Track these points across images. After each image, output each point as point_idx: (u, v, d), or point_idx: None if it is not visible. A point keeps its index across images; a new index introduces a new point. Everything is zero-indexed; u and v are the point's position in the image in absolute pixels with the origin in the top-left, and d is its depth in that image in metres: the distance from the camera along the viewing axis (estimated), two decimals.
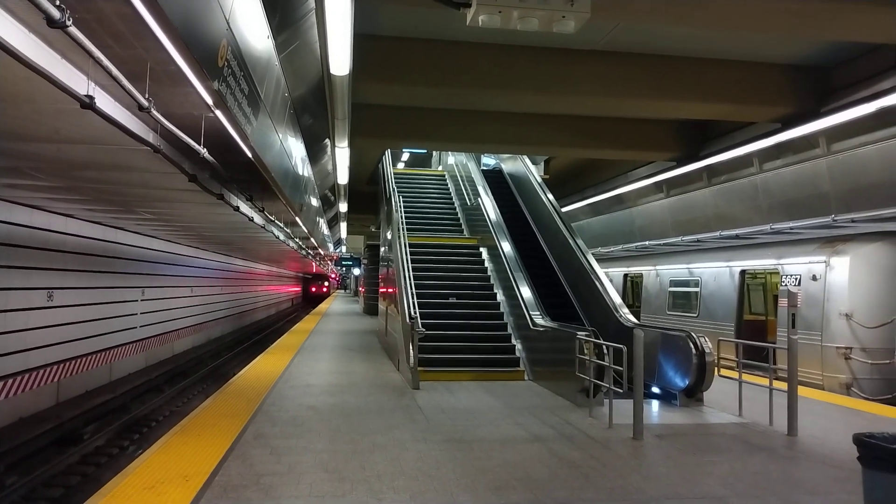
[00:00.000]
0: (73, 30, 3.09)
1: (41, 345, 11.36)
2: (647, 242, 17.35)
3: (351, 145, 11.35)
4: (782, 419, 7.19)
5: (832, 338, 11.04)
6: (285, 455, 5.80)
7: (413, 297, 10.95)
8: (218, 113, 5.09)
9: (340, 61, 6.79)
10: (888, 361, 10.38)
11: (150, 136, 5.83)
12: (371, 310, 27.19)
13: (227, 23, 4.29)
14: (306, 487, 4.94)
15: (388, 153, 18.65)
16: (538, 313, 10.86)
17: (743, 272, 14.03)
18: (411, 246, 13.42)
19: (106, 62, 3.55)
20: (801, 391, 7.32)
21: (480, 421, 7.41)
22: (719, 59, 9.77)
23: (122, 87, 3.88)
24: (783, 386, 7.33)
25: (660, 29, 8.78)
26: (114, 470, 8.89)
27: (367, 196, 21.42)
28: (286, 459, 5.66)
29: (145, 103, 4.27)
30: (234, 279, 28.81)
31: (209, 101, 4.75)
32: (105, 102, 4.81)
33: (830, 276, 11.28)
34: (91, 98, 4.07)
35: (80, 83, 4.30)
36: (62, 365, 12.10)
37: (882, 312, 10.65)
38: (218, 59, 4.23)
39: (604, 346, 7.95)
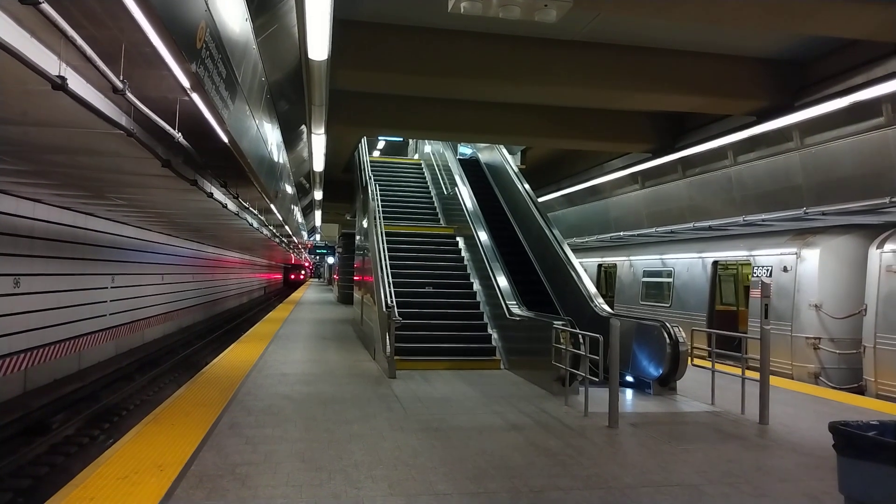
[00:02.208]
0: (46, 7, 2.98)
1: (7, 332, 11.09)
2: (621, 233, 17.52)
3: (327, 132, 11.23)
4: (754, 408, 7.32)
5: (802, 328, 11.26)
6: (261, 444, 5.74)
7: (390, 286, 10.91)
8: (195, 96, 4.98)
9: (319, 46, 6.70)
10: (855, 351, 10.62)
11: (122, 120, 5.69)
12: (345, 299, 27.06)
13: (206, 4, 4.19)
14: (283, 477, 4.90)
15: (363, 141, 18.51)
16: (514, 303, 10.89)
17: (715, 263, 14.22)
18: (387, 235, 13.35)
19: (80, 42, 3.43)
20: (771, 380, 7.45)
21: (457, 410, 7.42)
22: (697, 52, 9.85)
23: (97, 68, 3.76)
24: (754, 375, 7.46)
25: (639, 21, 8.81)
26: (84, 460, 8.74)
27: (342, 184, 21.26)
28: (262, 449, 5.61)
29: (120, 85, 4.15)
30: (206, 267, 28.43)
31: (186, 83, 4.64)
32: (77, 84, 4.67)
33: (801, 268, 11.49)
34: (63, 79, 3.95)
35: (51, 63, 4.16)
36: (29, 353, 11.83)
37: (850, 304, 10.88)
38: (196, 40, 4.13)
39: (580, 336, 8.01)
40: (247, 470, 5.02)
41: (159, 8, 3.34)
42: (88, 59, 3.67)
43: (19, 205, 11.31)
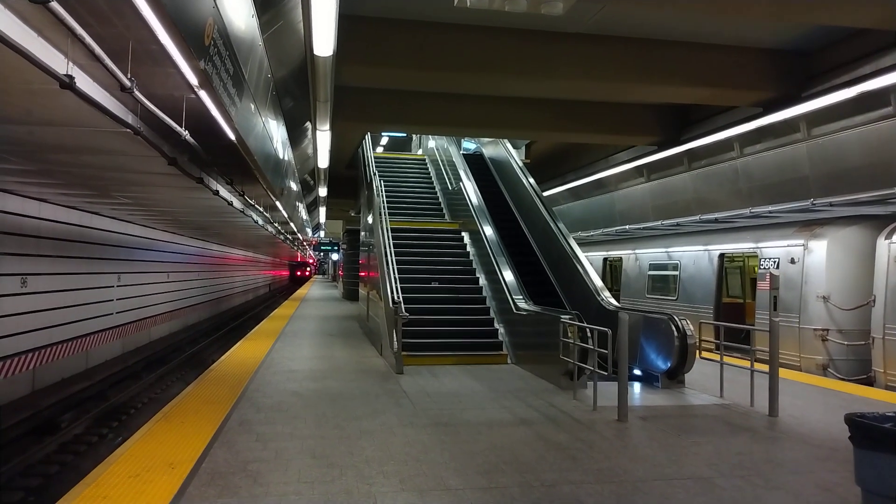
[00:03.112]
0: (55, 5, 2.96)
1: (15, 332, 11.12)
2: (627, 226, 17.45)
3: (332, 128, 11.21)
4: (763, 400, 7.30)
5: (809, 320, 11.22)
6: (271, 441, 5.75)
7: (396, 282, 10.90)
8: (202, 94, 4.96)
9: (324, 42, 6.67)
10: (863, 343, 10.58)
11: (129, 118, 5.68)
12: (351, 295, 27.08)
13: (214, 0, 4.17)
14: (294, 473, 4.90)
15: (367, 137, 18.49)
16: (521, 297, 10.88)
17: (722, 256, 14.18)
18: (393, 230, 13.35)
19: (89, 40, 3.42)
20: (780, 372, 7.43)
21: (466, 405, 7.42)
22: (703, 44, 9.79)
23: (105, 66, 3.75)
24: (763, 368, 7.44)
25: (644, 13, 8.76)
26: (93, 458, 8.78)
27: (346, 180, 21.24)
28: (273, 446, 5.62)
29: (128, 84, 4.14)
30: (212, 265, 28.45)
31: (194, 81, 4.62)
32: (84, 82, 4.66)
33: (808, 260, 11.44)
34: (71, 78, 3.93)
35: (58, 62, 4.15)
36: (37, 352, 11.87)
37: (858, 295, 10.84)
38: (205, 37, 4.11)
39: (588, 330, 7.99)
40: (258, 467, 5.03)
41: (168, 5, 3.32)
42: (97, 58, 3.66)
43: (25, 204, 11.32)
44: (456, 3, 5.47)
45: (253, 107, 7.06)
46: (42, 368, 12.12)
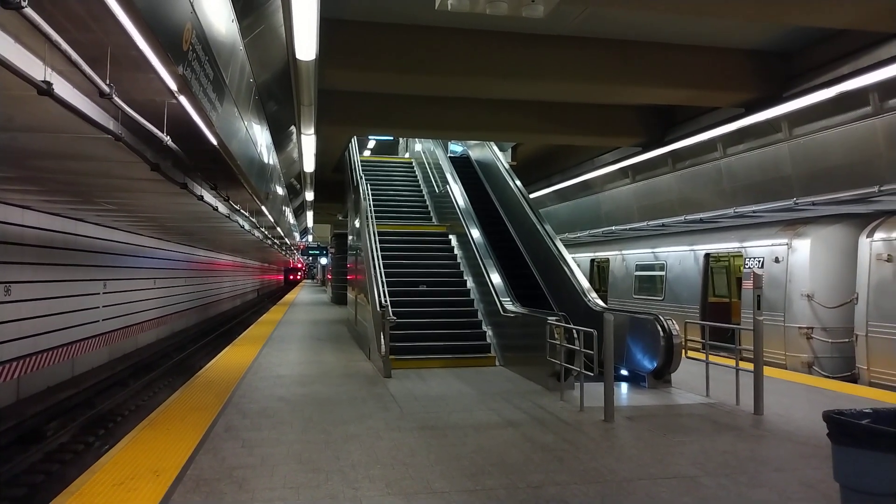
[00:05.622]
0: (30, 11, 2.94)
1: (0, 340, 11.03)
2: (613, 227, 17.54)
3: (317, 132, 11.19)
4: (748, 398, 7.35)
5: (794, 318, 11.31)
6: (257, 447, 5.73)
7: (384, 286, 10.89)
8: (182, 99, 4.94)
9: (306, 46, 6.67)
10: (847, 340, 10.68)
11: (110, 124, 5.65)
12: (339, 299, 27.02)
13: (192, 5, 4.16)
14: (280, 479, 4.88)
15: (354, 140, 18.47)
16: (508, 299, 10.89)
17: (707, 255, 14.27)
18: (380, 234, 13.33)
19: (65, 46, 3.40)
20: (765, 371, 7.48)
21: (453, 407, 7.42)
22: (685, 45, 9.85)
23: (83, 72, 3.73)
24: (748, 366, 7.49)
25: (626, 15, 8.82)
26: (79, 467, 8.70)
27: (333, 184, 21.19)
28: (258, 451, 5.59)
29: (106, 89, 4.11)
30: (199, 270, 28.29)
31: (173, 86, 4.60)
32: (63, 89, 4.64)
33: (792, 258, 11.54)
34: (49, 84, 3.91)
35: (36, 69, 4.12)
36: (22, 361, 11.76)
37: (841, 293, 10.94)
38: (183, 42, 4.10)
39: (574, 331, 8.01)
40: (244, 473, 5.01)
41: (144, 10, 3.31)
42: (74, 64, 3.64)
43: (8, 212, 11.22)
44: (437, 6, 5.48)
45: (235, 111, 7.04)
46: (27, 377, 12.00)
